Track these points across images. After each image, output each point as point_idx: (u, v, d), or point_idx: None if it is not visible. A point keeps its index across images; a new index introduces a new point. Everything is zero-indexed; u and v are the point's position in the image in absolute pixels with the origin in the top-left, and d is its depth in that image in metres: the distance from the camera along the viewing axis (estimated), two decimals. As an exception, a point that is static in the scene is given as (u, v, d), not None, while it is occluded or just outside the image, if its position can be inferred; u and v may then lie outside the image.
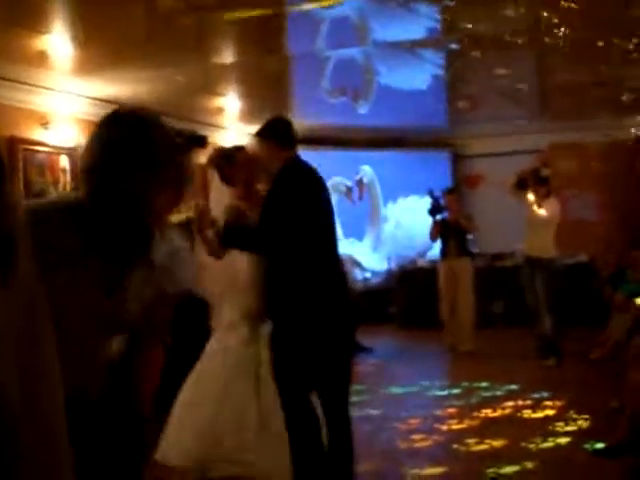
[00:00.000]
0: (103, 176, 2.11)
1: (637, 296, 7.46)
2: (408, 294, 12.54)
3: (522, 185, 8.99)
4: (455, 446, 5.87)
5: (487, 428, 6.41)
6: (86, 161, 2.21)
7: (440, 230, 10.43)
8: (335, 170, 11.82)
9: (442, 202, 10.49)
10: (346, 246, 12.20)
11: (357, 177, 13.52)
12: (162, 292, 2.39)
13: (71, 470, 1.29)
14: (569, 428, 6.25)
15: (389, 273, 13.23)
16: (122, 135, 2.12)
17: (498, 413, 6.92)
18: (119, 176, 2.10)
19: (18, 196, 1.48)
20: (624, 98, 10.01)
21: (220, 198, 5.05)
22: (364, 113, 10.33)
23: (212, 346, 5.10)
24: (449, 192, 10.68)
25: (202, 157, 11.15)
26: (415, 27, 7.44)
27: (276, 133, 4.68)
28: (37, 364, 1.23)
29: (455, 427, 6.48)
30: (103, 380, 2.39)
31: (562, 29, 7.12)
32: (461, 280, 10.25)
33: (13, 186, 1.24)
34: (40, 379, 1.23)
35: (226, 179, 5.10)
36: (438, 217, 10.45)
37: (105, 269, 2.18)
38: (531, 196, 8.85)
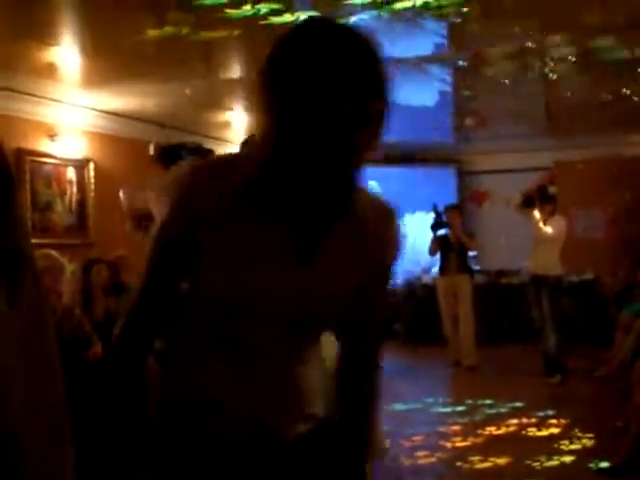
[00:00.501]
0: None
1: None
2: (413, 310, 12.52)
3: (528, 203, 8.98)
4: (459, 464, 5.84)
5: (491, 446, 6.38)
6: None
7: (440, 246, 10.46)
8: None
9: (444, 218, 10.52)
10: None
11: (363, 193, 13.52)
12: (378, 264, 1.85)
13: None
14: (573, 446, 6.22)
15: (394, 289, 13.21)
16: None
17: (502, 431, 6.89)
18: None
19: (24, 210, 1.37)
20: (630, 115, 10.01)
21: None
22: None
23: None
24: (451, 208, 10.71)
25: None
26: (423, 43, 7.46)
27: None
28: (43, 383, 1.22)
29: (459, 444, 6.46)
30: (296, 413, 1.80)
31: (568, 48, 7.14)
32: (460, 296, 10.26)
33: (21, 200, 1.25)
34: (46, 399, 1.22)
35: None
36: (439, 232, 10.47)
37: (295, 233, 1.65)
38: (537, 214, 8.84)
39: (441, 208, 10.68)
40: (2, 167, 1.18)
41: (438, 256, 10.65)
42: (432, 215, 10.87)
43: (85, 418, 3.02)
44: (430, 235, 10.69)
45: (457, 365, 10.17)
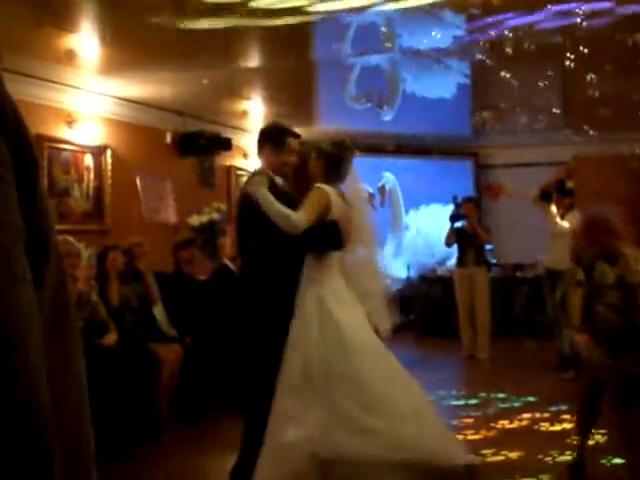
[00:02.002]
0: None
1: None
2: (427, 302, 12.52)
3: (546, 197, 8.95)
4: (471, 457, 5.84)
5: (504, 439, 6.38)
6: None
7: (457, 238, 10.46)
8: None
9: (462, 210, 10.54)
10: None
11: (379, 184, 13.51)
12: None
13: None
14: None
15: (409, 281, 13.21)
16: None
17: (515, 425, 6.89)
18: None
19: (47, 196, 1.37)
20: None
21: None
22: (388, 120, 10.32)
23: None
24: (468, 200, 10.71)
25: (226, 159, 11.23)
26: (442, 36, 7.44)
27: (270, 139, 5.03)
28: (65, 363, 1.24)
29: (471, 437, 6.45)
30: None
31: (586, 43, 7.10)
32: (477, 289, 10.27)
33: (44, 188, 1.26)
34: (67, 378, 1.24)
35: None
36: (457, 225, 10.48)
37: None
38: (554, 208, 8.81)
39: (460, 200, 10.70)
40: (27, 151, 1.19)
41: (455, 248, 10.65)
42: (451, 207, 10.88)
43: (99, 402, 3.03)
44: (447, 227, 10.70)
45: (470, 357, 10.18)
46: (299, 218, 4.48)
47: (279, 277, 4.73)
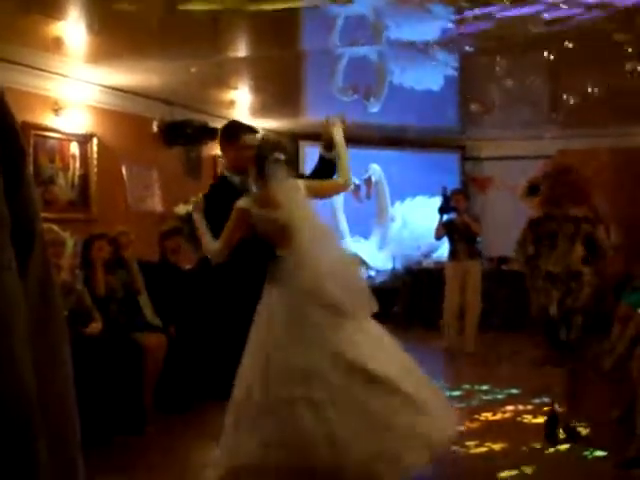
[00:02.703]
0: None
1: (640, 306, 7.44)
2: (412, 294, 12.55)
3: (533, 190, 8.96)
4: (455, 448, 5.86)
5: (487, 431, 6.42)
6: None
7: (447, 230, 10.46)
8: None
9: (452, 202, 10.54)
10: (352, 244, 12.21)
11: (365, 175, 13.52)
12: None
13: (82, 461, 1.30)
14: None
15: (394, 272, 13.23)
16: None
17: (498, 417, 6.92)
18: None
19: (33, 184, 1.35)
20: (636, 107, 9.99)
21: None
22: (375, 112, 10.32)
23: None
24: (457, 192, 10.72)
25: (213, 148, 11.21)
26: (430, 28, 7.43)
27: (226, 137, 5.29)
28: (50, 351, 1.24)
29: (455, 429, 6.47)
30: None
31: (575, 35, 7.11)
32: (470, 282, 10.28)
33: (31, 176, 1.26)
34: (53, 367, 1.24)
35: None
36: (446, 217, 10.48)
37: None
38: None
39: (449, 192, 10.70)
40: (13, 139, 1.19)
41: (447, 242, 10.66)
42: (434, 200, 10.89)
43: (83, 392, 3.03)
44: (431, 219, 10.71)
45: (451, 351, 10.24)
46: (214, 249, 4.64)
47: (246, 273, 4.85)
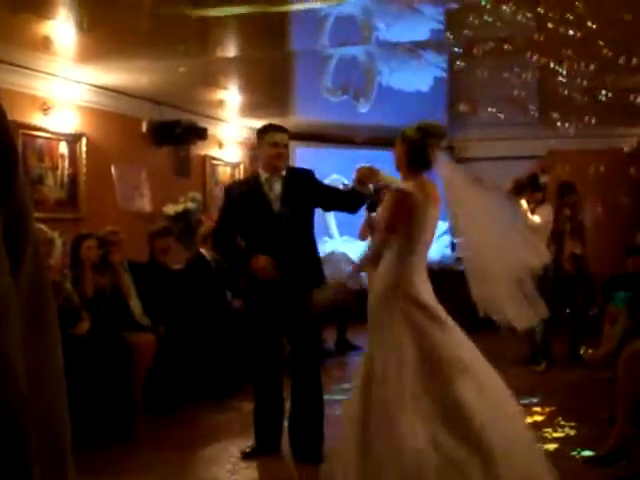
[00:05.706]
0: None
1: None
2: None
3: (519, 190, 9.00)
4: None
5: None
6: None
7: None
8: (334, 168, 11.81)
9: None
10: (341, 244, 12.21)
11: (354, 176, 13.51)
12: None
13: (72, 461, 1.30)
14: (557, 435, 6.27)
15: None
16: None
17: (486, 417, 6.92)
18: None
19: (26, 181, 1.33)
20: (624, 107, 10.02)
21: None
22: (364, 112, 10.32)
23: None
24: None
25: (201, 148, 11.19)
26: (419, 28, 7.45)
27: (259, 137, 5.89)
28: (42, 352, 1.24)
29: (443, 429, 6.48)
30: None
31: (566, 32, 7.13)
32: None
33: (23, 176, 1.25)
34: (45, 367, 1.24)
35: None
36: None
37: None
38: (524, 202, 8.86)
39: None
40: (4, 139, 1.19)
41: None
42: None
43: (72, 392, 3.03)
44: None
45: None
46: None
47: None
